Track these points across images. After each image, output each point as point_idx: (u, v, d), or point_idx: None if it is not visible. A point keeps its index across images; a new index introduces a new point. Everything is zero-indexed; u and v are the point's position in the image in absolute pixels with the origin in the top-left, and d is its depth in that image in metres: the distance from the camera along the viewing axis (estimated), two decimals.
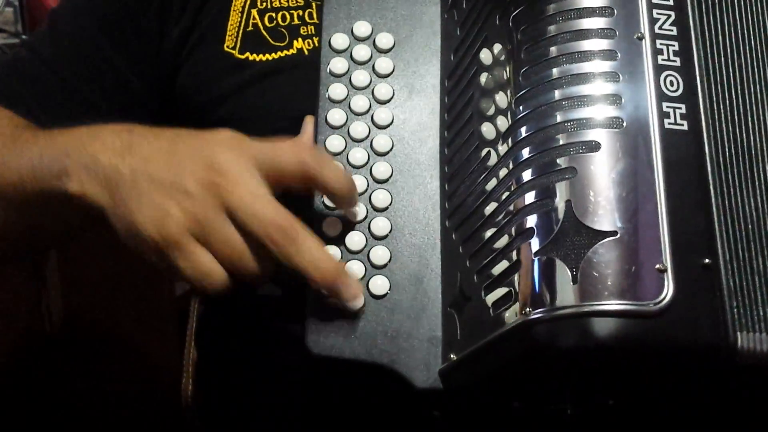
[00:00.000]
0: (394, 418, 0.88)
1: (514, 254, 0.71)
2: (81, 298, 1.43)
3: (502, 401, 0.81)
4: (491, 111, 0.80)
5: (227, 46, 0.97)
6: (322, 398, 0.94)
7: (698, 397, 0.77)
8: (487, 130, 0.81)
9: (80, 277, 1.44)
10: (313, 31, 0.97)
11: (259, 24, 0.97)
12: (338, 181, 0.79)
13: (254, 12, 0.97)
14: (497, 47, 0.80)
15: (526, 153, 0.73)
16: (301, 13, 0.98)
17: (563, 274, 0.67)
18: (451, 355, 0.79)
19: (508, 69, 0.77)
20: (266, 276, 0.78)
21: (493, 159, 0.78)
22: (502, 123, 0.78)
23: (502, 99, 0.79)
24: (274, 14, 0.97)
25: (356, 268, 0.83)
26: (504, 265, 0.73)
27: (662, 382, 0.73)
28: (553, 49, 0.74)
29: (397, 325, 0.82)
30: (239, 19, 0.97)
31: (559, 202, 0.69)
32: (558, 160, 0.70)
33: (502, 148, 0.77)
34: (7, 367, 1.37)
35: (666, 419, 0.80)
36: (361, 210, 0.84)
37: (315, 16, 0.97)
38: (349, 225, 0.84)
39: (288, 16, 0.97)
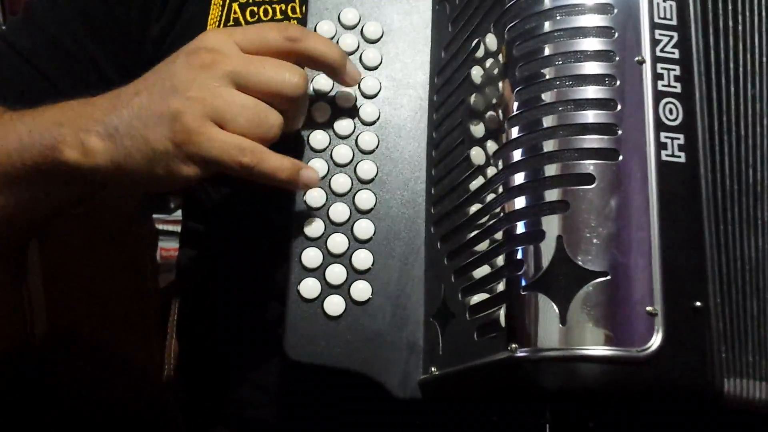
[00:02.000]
0: (373, 427, 0.88)
1: (502, 284, 0.69)
2: (64, 306, 1.41)
3: (481, 415, 0.80)
4: (485, 108, 0.77)
5: None
6: (302, 402, 0.93)
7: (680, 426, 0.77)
8: (476, 129, 0.78)
9: (63, 284, 1.41)
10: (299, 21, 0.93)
11: (241, 18, 0.93)
12: (324, 45, 0.79)
13: (235, 6, 0.93)
14: (491, 46, 0.77)
15: (518, 179, 0.70)
16: (283, 7, 0.93)
17: (551, 313, 0.65)
18: (432, 369, 0.78)
19: (500, 84, 0.74)
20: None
21: (485, 163, 0.76)
22: (493, 119, 0.75)
23: (493, 102, 0.76)
24: (255, 8, 0.93)
25: (338, 271, 0.82)
26: (491, 291, 0.71)
27: (645, 417, 0.72)
28: (548, 70, 0.70)
29: (378, 333, 0.81)
30: (219, 13, 0.93)
31: (550, 238, 0.67)
32: (549, 192, 0.68)
33: (491, 147, 0.75)
34: None
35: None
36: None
37: (298, 10, 0.93)
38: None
39: (270, 11, 0.93)
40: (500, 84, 0.74)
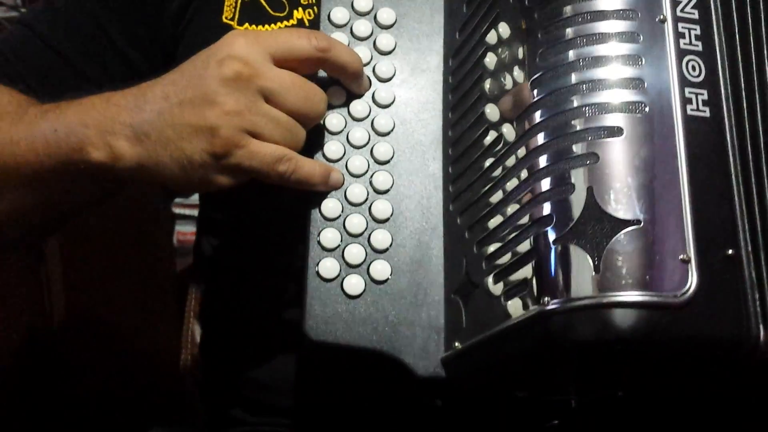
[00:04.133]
0: (395, 407, 0.86)
1: (529, 242, 0.69)
2: (83, 291, 1.40)
3: (506, 391, 0.79)
4: (500, 92, 0.78)
5: (225, 17, 0.94)
6: (322, 382, 0.91)
7: (712, 390, 0.76)
8: (492, 111, 0.78)
9: (82, 269, 1.40)
10: (314, 0, 0.94)
11: None
12: (349, 56, 0.81)
13: None
14: (508, 26, 0.78)
15: (541, 138, 0.70)
16: None
17: (583, 263, 0.65)
18: (456, 344, 0.77)
19: (521, 50, 0.74)
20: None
21: (503, 143, 0.76)
22: (510, 104, 0.76)
23: (511, 81, 0.76)
24: None
25: (356, 251, 0.81)
26: (517, 252, 0.70)
27: (679, 375, 0.71)
28: (569, 30, 0.71)
29: (399, 312, 0.80)
30: None
31: (580, 189, 0.66)
32: (576, 146, 0.68)
33: (507, 129, 0.75)
34: (11, 363, 1.34)
35: (673, 411, 0.79)
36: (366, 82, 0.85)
37: None
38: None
39: None
40: (520, 49, 0.74)
